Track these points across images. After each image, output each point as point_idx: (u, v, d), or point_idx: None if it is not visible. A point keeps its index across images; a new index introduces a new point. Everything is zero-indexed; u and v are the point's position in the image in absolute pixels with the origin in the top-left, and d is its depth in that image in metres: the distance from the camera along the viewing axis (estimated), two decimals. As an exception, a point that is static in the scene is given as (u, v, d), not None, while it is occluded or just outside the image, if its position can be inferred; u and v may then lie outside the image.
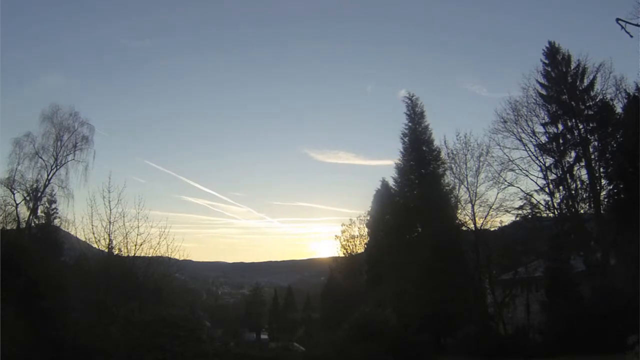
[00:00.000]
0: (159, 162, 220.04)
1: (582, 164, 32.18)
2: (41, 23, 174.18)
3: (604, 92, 31.85)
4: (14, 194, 36.41)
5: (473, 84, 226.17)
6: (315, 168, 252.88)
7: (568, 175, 32.50)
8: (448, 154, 33.67)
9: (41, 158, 37.60)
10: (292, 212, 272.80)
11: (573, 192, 32.27)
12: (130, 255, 23.85)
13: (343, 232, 51.59)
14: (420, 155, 34.67)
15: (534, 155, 33.55)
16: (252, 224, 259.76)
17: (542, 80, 33.85)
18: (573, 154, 32.97)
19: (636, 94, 29.07)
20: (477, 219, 32.21)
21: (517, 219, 33.37)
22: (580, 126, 32.53)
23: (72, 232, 29.30)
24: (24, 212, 37.04)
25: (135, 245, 23.64)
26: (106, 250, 24.01)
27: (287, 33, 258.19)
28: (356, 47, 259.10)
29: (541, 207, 33.08)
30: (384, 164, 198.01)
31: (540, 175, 33.49)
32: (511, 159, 33.23)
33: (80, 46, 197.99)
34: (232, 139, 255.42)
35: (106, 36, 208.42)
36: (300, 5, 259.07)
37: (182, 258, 27.67)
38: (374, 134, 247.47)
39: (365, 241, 46.76)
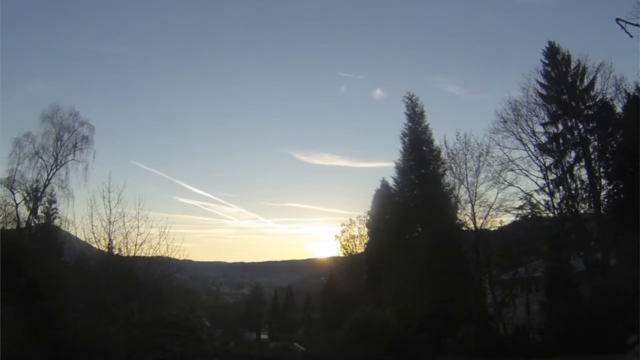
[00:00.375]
0: (148, 164, 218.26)
1: (582, 164, 32.19)
2: (24, 29, 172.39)
3: (604, 92, 31.91)
4: (14, 194, 36.42)
5: (450, 85, 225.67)
6: (302, 169, 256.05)
7: (568, 175, 32.50)
8: (448, 154, 33.74)
9: (41, 158, 37.60)
10: (284, 213, 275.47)
11: (573, 192, 32.27)
12: (130, 255, 23.83)
13: (343, 232, 51.57)
14: (420, 155, 34.67)
15: (534, 155, 33.61)
16: (246, 224, 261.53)
17: (542, 80, 33.87)
18: (573, 154, 33.01)
19: (636, 94, 29.09)
20: (477, 219, 32.27)
21: (517, 219, 33.42)
22: (580, 126, 32.53)
23: (72, 232, 29.31)
24: (24, 212, 37.06)
25: (135, 245, 23.62)
26: (106, 250, 23.99)
27: (264, 35, 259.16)
28: (331, 48, 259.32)
29: (541, 207, 33.12)
30: (371, 166, 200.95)
31: (540, 175, 33.55)
32: (511, 159, 33.29)
33: (61, 52, 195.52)
34: (216, 141, 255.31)
35: (84, 42, 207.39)
36: (285, 7, 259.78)
37: (182, 258, 27.72)
38: (356, 135, 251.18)
39: (365, 241, 46.72)
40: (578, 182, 32.43)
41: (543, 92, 33.81)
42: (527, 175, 33.55)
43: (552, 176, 33.24)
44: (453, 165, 33.20)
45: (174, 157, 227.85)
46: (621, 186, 27.54)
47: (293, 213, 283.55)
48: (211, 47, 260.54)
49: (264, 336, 79.84)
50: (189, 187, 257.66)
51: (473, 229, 32.33)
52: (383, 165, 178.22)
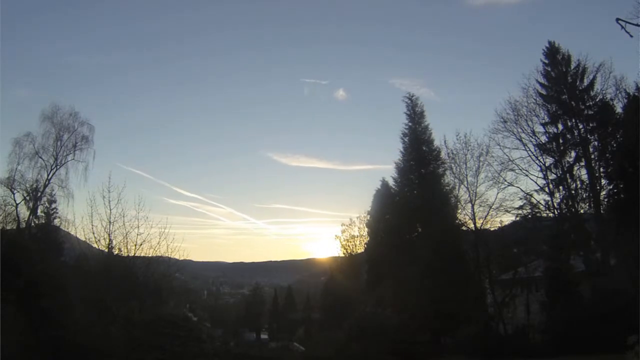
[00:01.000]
0: (132, 166, 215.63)
1: (582, 163, 32.19)
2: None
3: (604, 92, 31.92)
4: (14, 194, 36.43)
5: (419, 88, 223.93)
6: (283, 171, 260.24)
7: (568, 175, 32.49)
8: (448, 153, 33.60)
9: (41, 158, 37.62)
10: (273, 214, 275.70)
11: (573, 192, 32.27)
12: (130, 255, 23.86)
13: (343, 232, 51.61)
14: (420, 155, 34.65)
15: (534, 155, 33.58)
16: (239, 225, 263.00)
17: (542, 80, 33.86)
18: (573, 154, 32.99)
19: (636, 94, 29.09)
20: (477, 219, 32.11)
21: (517, 219, 33.35)
22: (580, 126, 32.54)
23: (72, 232, 29.32)
24: (24, 212, 37.07)
25: (135, 245, 23.66)
26: (106, 250, 24.01)
27: (235, 41, 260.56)
28: (296, 52, 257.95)
29: (541, 207, 33.08)
30: (351, 169, 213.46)
31: (540, 175, 33.51)
32: (511, 159, 33.23)
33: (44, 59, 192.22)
34: (197, 144, 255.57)
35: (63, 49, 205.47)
36: (259, 9, 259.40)
37: (182, 258, 27.74)
38: (328, 138, 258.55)
39: (365, 241, 46.73)
40: (578, 182, 32.44)
41: (543, 92, 33.81)
42: (527, 175, 33.56)
43: (552, 176, 33.25)
44: (453, 165, 33.13)
45: (157, 159, 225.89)
46: (621, 186, 27.52)
47: (281, 214, 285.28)
48: (192, 53, 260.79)
49: (264, 336, 79.90)
50: (175, 188, 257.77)
51: (473, 229, 32.26)
52: (365, 168, 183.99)
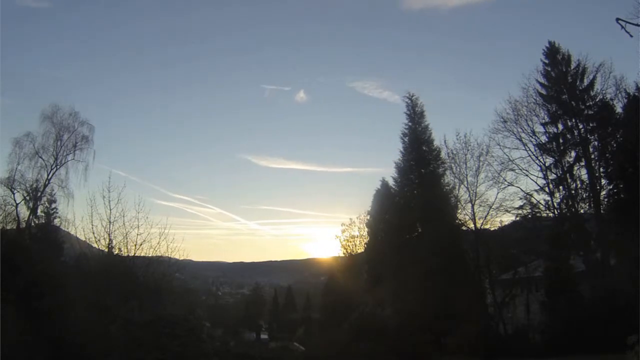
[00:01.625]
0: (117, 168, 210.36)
1: (582, 163, 32.20)
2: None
3: (604, 92, 31.94)
4: (14, 194, 36.41)
5: (380, 90, 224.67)
6: (265, 173, 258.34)
7: (568, 175, 32.51)
8: (448, 153, 33.68)
9: (41, 158, 37.59)
10: (261, 215, 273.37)
11: (573, 192, 32.28)
12: (130, 255, 23.85)
13: (343, 231, 51.55)
14: (420, 155, 34.60)
15: (534, 155, 33.61)
16: (232, 226, 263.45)
17: (542, 80, 33.87)
18: (573, 154, 33.02)
19: (636, 94, 29.10)
20: (477, 218, 32.22)
21: (517, 219, 33.41)
22: (580, 126, 32.55)
23: (72, 232, 29.33)
24: (24, 212, 37.02)
25: (135, 245, 23.63)
26: (106, 250, 23.99)
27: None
28: (254, 57, 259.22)
29: (541, 207, 33.12)
30: (331, 170, 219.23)
31: (540, 175, 33.55)
32: (511, 159, 33.29)
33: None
34: (179, 146, 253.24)
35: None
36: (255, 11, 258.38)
37: (182, 258, 27.74)
38: (301, 140, 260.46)
39: (365, 241, 46.68)
40: (578, 182, 32.46)
41: (543, 92, 33.82)
42: (527, 175, 33.60)
43: (552, 176, 33.28)
44: (453, 165, 33.23)
45: (143, 162, 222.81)
46: (621, 186, 27.55)
47: (270, 215, 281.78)
48: (180, 58, 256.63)
49: (263, 336, 79.83)
50: (164, 190, 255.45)
51: (473, 229, 32.32)
52: (346, 170, 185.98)
